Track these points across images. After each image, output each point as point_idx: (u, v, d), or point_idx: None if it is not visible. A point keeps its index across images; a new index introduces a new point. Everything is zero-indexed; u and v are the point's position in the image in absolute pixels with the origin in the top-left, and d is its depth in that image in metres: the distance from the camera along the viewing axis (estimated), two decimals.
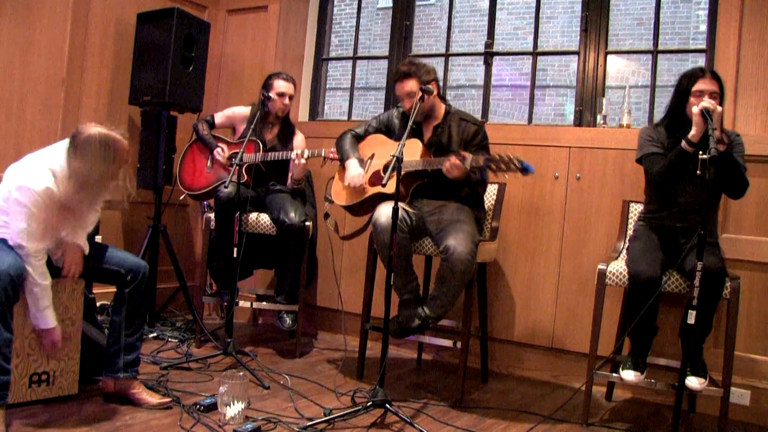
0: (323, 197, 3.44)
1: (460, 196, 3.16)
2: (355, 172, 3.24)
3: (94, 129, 2.41)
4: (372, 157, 3.30)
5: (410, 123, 2.87)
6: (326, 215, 3.42)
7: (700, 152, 2.37)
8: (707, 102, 2.66)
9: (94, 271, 2.68)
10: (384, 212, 2.97)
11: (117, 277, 2.65)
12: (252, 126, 3.47)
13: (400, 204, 2.98)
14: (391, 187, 2.78)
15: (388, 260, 2.72)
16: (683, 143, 2.72)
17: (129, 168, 2.56)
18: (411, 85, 3.15)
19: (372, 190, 3.18)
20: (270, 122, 3.82)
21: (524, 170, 2.72)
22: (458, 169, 2.88)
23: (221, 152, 3.75)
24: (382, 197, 3.10)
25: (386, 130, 3.38)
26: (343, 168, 3.34)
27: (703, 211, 2.46)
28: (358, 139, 3.41)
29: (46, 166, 2.39)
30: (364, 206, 3.25)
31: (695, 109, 2.67)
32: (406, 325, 3.04)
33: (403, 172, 3.06)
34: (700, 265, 2.38)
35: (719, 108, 2.67)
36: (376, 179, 3.19)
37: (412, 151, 3.11)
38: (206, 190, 3.76)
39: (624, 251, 3.14)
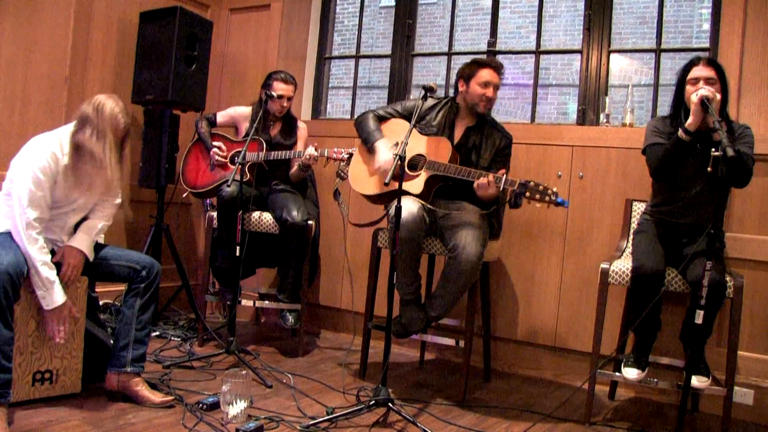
0: (335, 173, 3.36)
1: (486, 210, 3.10)
2: (385, 156, 3.14)
3: (97, 96, 2.55)
4: (396, 146, 3.21)
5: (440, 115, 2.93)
6: (337, 193, 3.31)
7: (713, 149, 2.34)
8: (705, 90, 2.63)
9: (107, 268, 2.70)
10: (407, 209, 2.89)
11: (132, 273, 2.68)
12: (255, 124, 3.47)
13: (422, 202, 2.98)
14: (413, 187, 2.74)
15: (392, 258, 2.72)
16: (680, 132, 2.71)
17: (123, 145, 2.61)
18: (499, 79, 3.16)
19: (396, 184, 3.12)
20: (271, 120, 3.82)
21: (558, 205, 2.69)
22: (492, 187, 2.85)
23: (218, 151, 3.73)
24: (404, 194, 3.06)
25: (408, 117, 3.29)
26: (369, 150, 3.25)
27: (714, 208, 2.44)
28: (380, 120, 3.33)
29: (55, 135, 2.52)
30: (383, 198, 3.20)
31: (694, 98, 2.64)
32: (408, 326, 3.03)
33: (430, 174, 3.05)
34: (709, 264, 2.36)
35: (718, 96, 2.65)
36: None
37: (441, 152, 3.07)
38: (209, 189, 3.76)
39: (627, 250, 3.14)
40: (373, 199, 3.27)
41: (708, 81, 2.72)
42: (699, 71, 2.76)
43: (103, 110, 2.49)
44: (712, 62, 2.79)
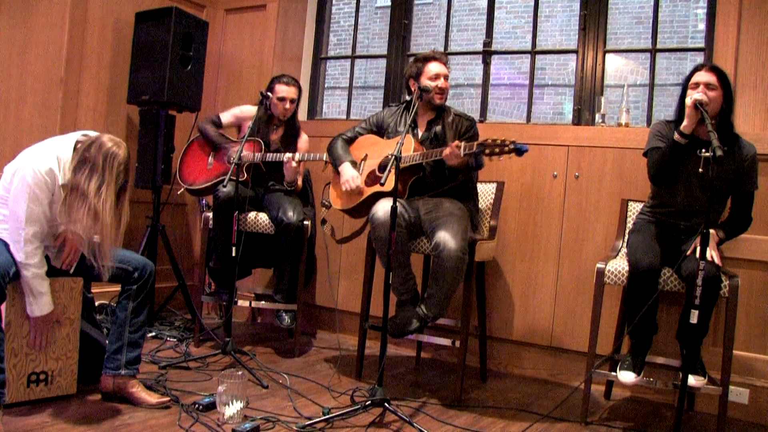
0: (320, 203, 3.45)
1: (455, 190, 3.16)
2: (349, 174, 3.25)
3: (104, 137, 2.47)
4: (365, 158, 3.31)
5: (414, 107, 2.94)
6: (323, 221, 3.43)
7: (703, 150, 2.37)
8: (699, 94, 2.67)
9: (99, 269, 2.68)
10: (381, 207, 2.99)
11: (125, 274, 2.66)
12: (255, 126, 3.45)
13: (398, 199, 3.00)
14: (389, 186, 2.78)
15: (387, 258, 2.72)
16: (675, 135, 2.73)
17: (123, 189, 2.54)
18: (447, 70, 3.26)
19: (369, 191, 3.18)
20: (275, 123, 3.81)
21: (518, 151, 2.70)
22: (456, 157, 2.90)
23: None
24: (379, 197, 3.10)
25: (377, 130, 3.40)
26: (337, 173, 3.35)
27: (707, 209, 2.45)
28: (349, 142, 3.43)
29: (53, 151, 2.44)
30: (362, 208, 3.25)
31: (688, 101, 2.69)
32: (404, 326, 3.03)
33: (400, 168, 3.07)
34: (702, 264, 2.38)
35: (710, 95, 2.68)
36: (372, 180, 3.20)
37: (406, 147, 3.12)
38: (205, 186, 3.74)
39: (622, 250, 3.14)
40: (354, 212, 3.33)
41: (708, 86, 2.73)
42: (700, 76, 2.77)
43: (112, 162, 2.42)
44: (715, 69, 2.80)
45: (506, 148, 2.71)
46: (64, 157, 2.43)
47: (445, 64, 3.27)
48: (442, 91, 3.23)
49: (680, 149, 2.73)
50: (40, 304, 2.46)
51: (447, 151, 2.92)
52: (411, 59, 3.35)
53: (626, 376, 2.76)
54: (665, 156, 2.78)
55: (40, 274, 2.43)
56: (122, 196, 2.51)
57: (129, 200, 2.58)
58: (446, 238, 2.88)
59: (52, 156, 2.42)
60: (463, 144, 2.87)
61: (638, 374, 2.77)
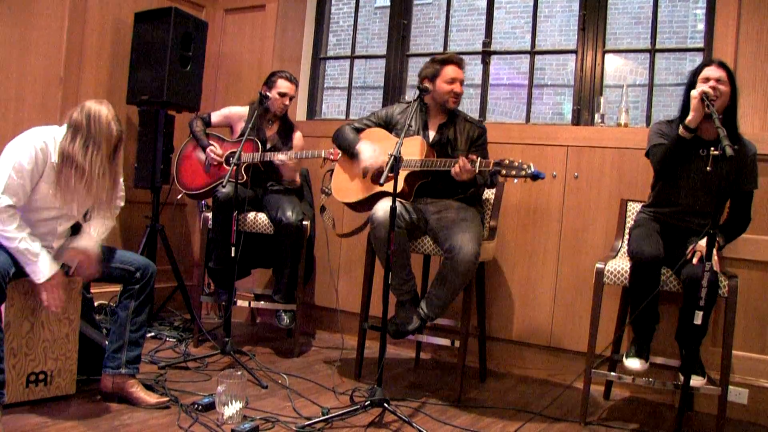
0: (320, 189, 3.42)
1: (464, 195, 3.15)
2: (371, 153, 3.17)
3: (87, 101, 2.50)
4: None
5: (415, 107, 2.92)
6: (323, 209, 3.39)
7: (712, 148, 2.34)
8: (706, 87, 2.64)
9: (102, 270, 2.68)
10: (381, 207, 2.97)
11: (127, 274, 2.67)
12: (251, 125, 3.46)
13: (399, 199, 2.99)
14: (390, 186, 2.76)
15: (386, 258, 2.72)
16: (680, 129, 2.71)
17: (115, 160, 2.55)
18: (463, 74, 3.22)
19: (376, 188, 3.18)
20: (269, 119, 3.82)
21: (534, 177, 2.67)
22: (468, 172, 2.87)
23: (214, 149, 3.74)
24: (384, 195, 3.09)
25: (386, 125, 3.36)
26: (350, 156, 3.28)
27: (713, 209, 2.43)
28: (357, 131, 3.37)
29: (50, 130, 2.49)
30: (366, 203, 3.23)
31: (694, 93, 2.65)
32: (403, 326, 3.03)
33: (407, 171, 3.06)
34: (708, 266, 2.36)
35: (721, 88, 2.66)
36: (378, 176, 3.18)
37: (414, 150, 3.10)
38: (204, 190, 3.75)
39: (622, 249, 3.14)
40: (357, 206, 3.30)
41: (719, 82, 2.69)
42: (711, 71, 2.73)
43: (98, 119, 2.43)
44: (724, 65, 2.76)
45: (523, 172, 2.67)
46: (59, 138, 2.46)
47: (463, 68, 3.23)
48: (457, 96, 3.20)
49: (684, 145, 2.71)
50: (42, 267, 2.42)
51: (456, 168, 2.88)
52: (428, 59, 3.28)
53: (633, 363, 2.74)
54: (669, 151, 2.75)
55: (24, 237, 2.39)
56: (118, 150, 2.52)
57: (122, 159, 2.60)
58: (463, 242, 2.86)
59: (48, 134, 2.46)
60: (478, 160, 2.83)
61: (645, 361, 2.75)
